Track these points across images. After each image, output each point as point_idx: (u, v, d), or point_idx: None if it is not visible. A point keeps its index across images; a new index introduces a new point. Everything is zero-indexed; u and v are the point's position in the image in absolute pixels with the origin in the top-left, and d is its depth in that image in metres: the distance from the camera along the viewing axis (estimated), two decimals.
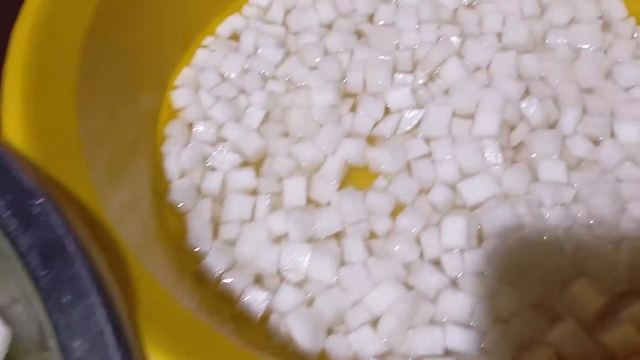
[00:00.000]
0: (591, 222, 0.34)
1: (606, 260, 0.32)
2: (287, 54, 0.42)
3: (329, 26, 0.44)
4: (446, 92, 0.39)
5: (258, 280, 0.34)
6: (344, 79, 0.41)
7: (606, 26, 0.42)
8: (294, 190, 0.36)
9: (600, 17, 0.43)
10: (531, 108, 0.38)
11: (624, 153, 0.36)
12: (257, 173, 0.37)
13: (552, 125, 0.38)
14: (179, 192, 0.36)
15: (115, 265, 0.24)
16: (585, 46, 0.41)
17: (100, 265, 0.22)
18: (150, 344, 0.23)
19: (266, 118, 0.39)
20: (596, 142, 0.37)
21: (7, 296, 0.30)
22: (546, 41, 0.42)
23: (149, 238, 0.33)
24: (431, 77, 0.40)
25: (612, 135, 0.37)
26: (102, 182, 0.29)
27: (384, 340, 0.31)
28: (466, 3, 0.44)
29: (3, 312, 0.28)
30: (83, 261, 0.21)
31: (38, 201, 0.22)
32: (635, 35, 0.42)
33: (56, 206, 0.22)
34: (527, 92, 0.39)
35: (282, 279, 0.33)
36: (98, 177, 0.29)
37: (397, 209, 0.35)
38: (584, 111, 0.38)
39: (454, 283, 0.32)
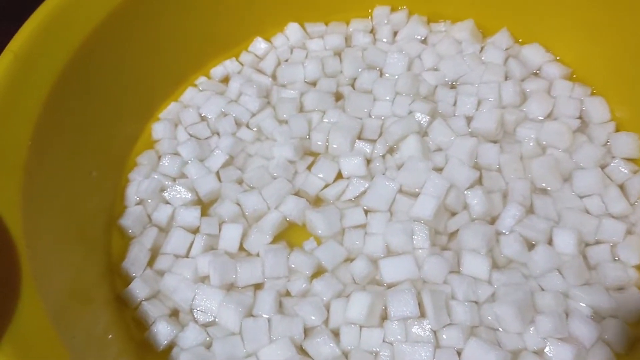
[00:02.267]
0: (497, 327, 0.34)
1: None
2: (266, 105, 0.45)
3: (314, 83, 0.46)
4: (400, 167, 0.40)
5: (174, 314, 0.36)
6: (308, 137, 0.43)
7: (584, 127, 0.42)
8: (230, 236, 0.38)
9: (579, 118, 0.42)
10: (475, 199, 0.38)
11: (555, 263, 0.36)
12: (204, 213, 0.40)
13: (493, 220, 0.38)
14: (131, 218, 0.40)
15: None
16: (553, 145, 0.41)
17: None
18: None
19: (228, 162, 0.42)
20: (531, 246, 0.37)
21: None
22: (516, 133, 0.42)
23: (86, 253, 0.37)
24: (390, 150, 0.42)
25: (550, 242, 0.37)
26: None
27: None
28: (449, 82, 0.45)
29: None
30: None
31: None
32: (609, 142, 0.41)
33: None
34: (479, 182, 0.40)
35: (193, 318, 0.36)
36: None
37: (319, 272, 0.37)
38: (530, 211, 0.38)
39: (344, 355, 0.34)
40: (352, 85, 0.46)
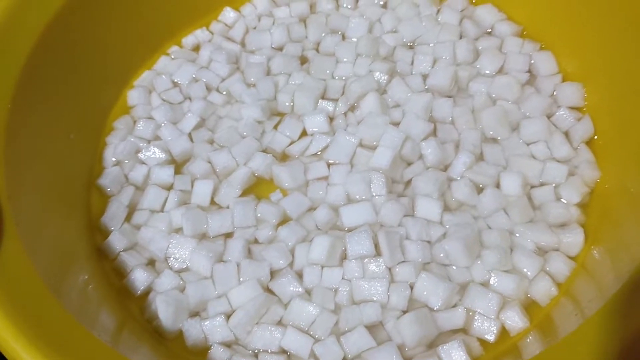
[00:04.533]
0: (447, 263, 0.37)
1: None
2: (235, 70, 0.47)
3: (280, 48, 0.48)
4: (360, 122, 0.43)
5: (150, 263, 0.39)
6: (275, 99, 0.45)
7: (532, 80, 0.45)
8: (202, 192, 0.41)
9: (528, 71, 0.45)
10: (429, 149, 0.41)
11: (501, 204, 0.39)
12: (178, 171, 0.43)
13: (446, 168, 0.41)
14: (109, 178, 0.42)
15: None
16: (503, 98, 0.43)
17: None
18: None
19: (200, 124, 0.44)
20: (480, 190, 0.40)
21: None
22: (469, 87, 0.44)
23: (67, 211, 0.39)
24: (352, 108, 0.44)
25: (497, 185, 0.40)
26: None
27: (231, 331, 0.35)
28: (407, 42, 0.47)
29: None
30: None
31: None
32: (555, 92, 0.44)
33: None
34: (434, 133, 0.42)
35: (168, 265, 0.39)
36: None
37: (284, 221, 0.40)
38: (480, 159, 0.41)
39: (307, 293, 0.37)
40: (317, 49, 0.48)
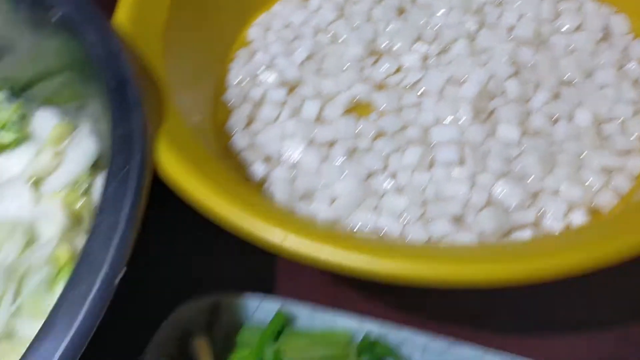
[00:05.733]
0: (523, 174, 0.43)
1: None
2: (340, 16, 0.55)
3: (380, 1, 0.55)
4: (449, 63, 0.49)
5: (266, 160, 0.46)
6: (375, 41, 0.52)
7: (606, 37, 0.50)
8: (310, 109, 0.48)
9: (603, 29, 0.50)
10: (511, 86, 0.47)
11: (573, 132, 0.44)
12: (289, 92, 0.50)
13: (526, 103, 0.47)
14: (232, 95, 0.50)
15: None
16: (579, 50, 0.49)
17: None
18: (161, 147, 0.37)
19: (308, 58, 0.52)
20: (555, 121, 0.45)
21: (92, 116, 0.46)
22: (549, 41, 0.50)
23: (201, 115, 0.47)
24: (443, 50, 0.51)
25: (571, 119, 0.45)
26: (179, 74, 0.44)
27: (334, 212, 0.42)
28: (496, 2, 0.54)
29: (100, 133, 0.44)
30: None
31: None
32: (627, 49, 0.49)
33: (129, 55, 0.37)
34: (516, 75, 0.48)
35: (281, 162, 0.46)
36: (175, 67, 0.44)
37: (378, 135, 0.46)
38: (556, 97, 0.47)
39: (399, 190, 0.43)
40: (414, 1, 0.55)
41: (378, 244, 0.39)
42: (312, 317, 0.41)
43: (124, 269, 0.31)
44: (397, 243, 0.40)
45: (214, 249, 0.48)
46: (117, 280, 0.30)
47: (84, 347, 0.28)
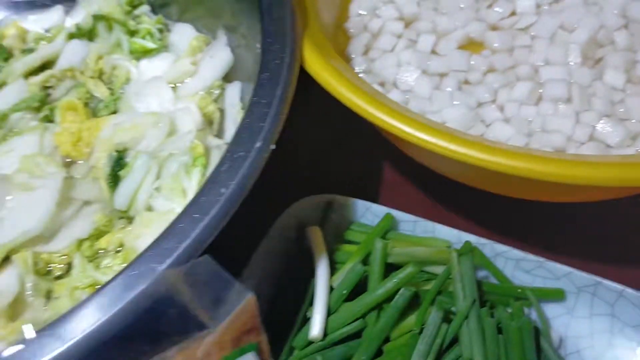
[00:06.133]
0: (626, 117, 0.45)
1: None
2: None
3: None
4: (561, 11, 0.52)
5: (381, 84, 0.51)
6: None
7: None
8: (425, 42, 0.52)
9: None
10: (620, 36, 0.49)
11: None
12: (405, 26, 0.54)
13: (634, 53, 0.49)
14: (353, 24, 0.55)
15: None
16: None
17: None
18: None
19: None
20: None
21: (239, 34, 0.51)
22: None
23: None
24: (557, 0, 0.53)
25: None
26: None
27: None
28: None
29: (233, 48, 0.49)
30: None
31: None
32: None
33: None
34: (625, 27, 0.50)
35: (395, 86, 0.50)
36: None
37: (489, 71, 0.50)
38: None
39: (506, 120, 0.47)
40: None
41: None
42: (415, 225, 0.46)
43: (273, 146, 0.37)
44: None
45: (330, 158, 0.53)
46: (270, 148, 0.35)
47: (245, 195, 0.34)
